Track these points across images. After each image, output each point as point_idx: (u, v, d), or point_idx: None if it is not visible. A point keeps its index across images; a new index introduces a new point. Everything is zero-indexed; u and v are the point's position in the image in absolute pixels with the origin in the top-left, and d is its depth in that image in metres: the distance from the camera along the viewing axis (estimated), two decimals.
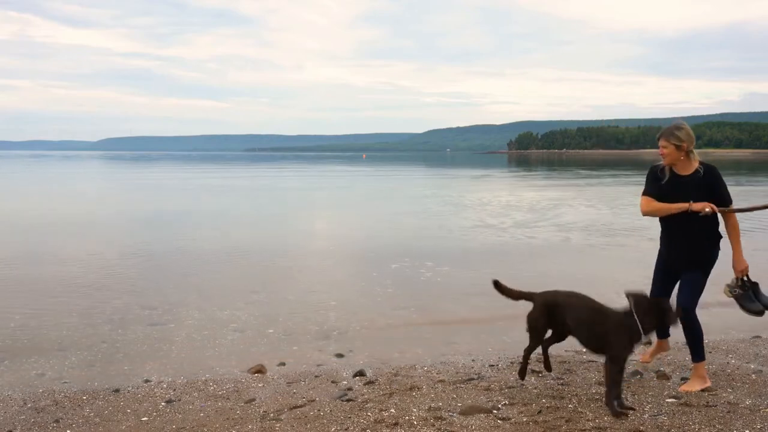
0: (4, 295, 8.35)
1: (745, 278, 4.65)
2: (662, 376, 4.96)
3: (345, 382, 5.07)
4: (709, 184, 4.55)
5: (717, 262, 4.67)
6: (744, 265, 4.65)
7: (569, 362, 5.50)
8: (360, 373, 5.31)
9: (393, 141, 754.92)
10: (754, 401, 4.30)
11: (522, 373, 4.77)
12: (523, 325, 4.66)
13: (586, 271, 9.82)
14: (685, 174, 4.61)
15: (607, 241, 13.09)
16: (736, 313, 7.52)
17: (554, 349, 6.00)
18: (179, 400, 4.79)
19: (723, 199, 4.54)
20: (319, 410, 4.35)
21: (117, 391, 5.03)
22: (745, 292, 4.64)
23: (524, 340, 4.70)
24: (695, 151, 4.64)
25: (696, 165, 4.60)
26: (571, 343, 6.13)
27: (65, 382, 5.29)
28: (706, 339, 6.31)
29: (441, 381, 4.98)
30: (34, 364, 5.77)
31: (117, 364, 5.78)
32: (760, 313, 4.65)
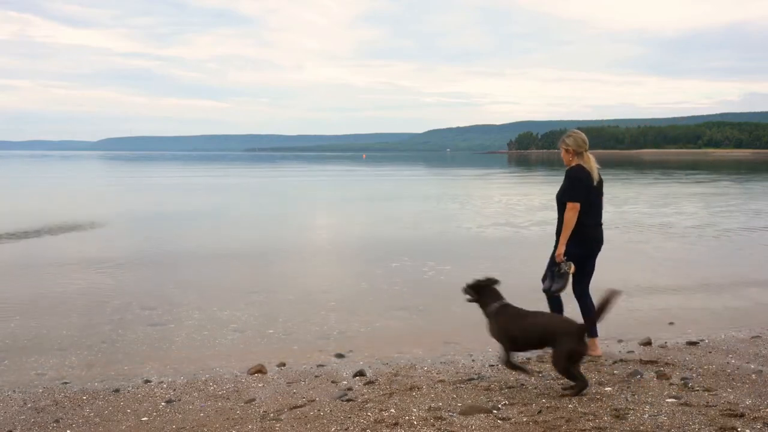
0: (4, 295, 8.35)
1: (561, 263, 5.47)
2: (662, 376, 4.96)
3: (345, 382, 5.07)
4: None
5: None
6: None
7: None
8: (360, 373, 5.31)
9: (393, 141, 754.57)
10: (754, 401, 4.30)
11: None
12: None
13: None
14: None
15: (620, 237, 13.06)
16: (736, 314, 7.55)
17: None
18: (179, 400, 4.79)
19: (560, 193, 5.56)
20: (319, 410, 4.35)
21: (117, 391, 5.03)
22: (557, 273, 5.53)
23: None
24: (589, 154, 5.55)
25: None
26: None
27: (65, 382, 5.29)
28: (707, 339, 6.35)
29: (441, 381, 4.98)
30: (34, 364, 5.76)
31: (117, 364, 5.78)
32: (548, 292, 5.57)
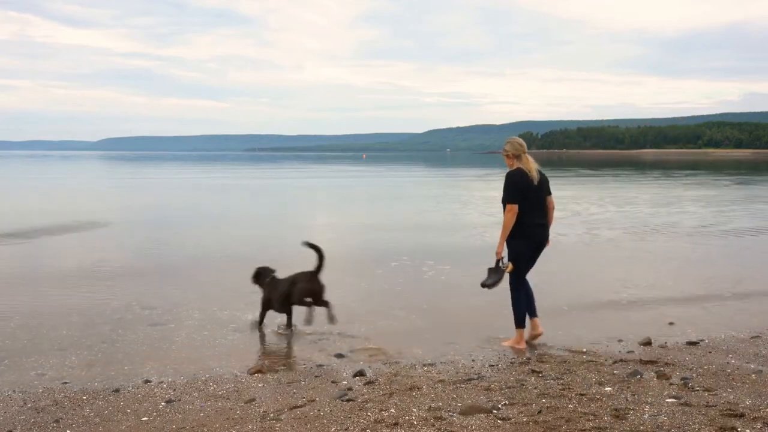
0: (4, 295, 8.35)
1: (500, 260, 6.08)
2: (662, 376, 4.96)
3: (345, 382, 5.07)
4: None
5: None
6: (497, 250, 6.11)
7: (569, 362, 5.50)
8: (360, 373, 5.31)
9: (393, 141, 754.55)
10: (754, 401, 4.30)
11: None
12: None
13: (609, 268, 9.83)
14: None
15: (621, 237, 13.13)
16: (736, 314, 7.55)
17: (554, 349, 6.03)
18: (179, 400, 4.79)
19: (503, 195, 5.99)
20: (319, 410, 4.35)
21: (117, 391, 5.03)
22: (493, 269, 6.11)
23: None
24: (528, 156, 6.08)
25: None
26: (571, 344, 6.15)
27: (65, 382, 5.29)
28: (707, 339, 6.35)
29: (441, 381, 4.98)
30: (34, 364, 5.76)
31: (117, 364, 5.77)
32: (484, 286, 6.12)
